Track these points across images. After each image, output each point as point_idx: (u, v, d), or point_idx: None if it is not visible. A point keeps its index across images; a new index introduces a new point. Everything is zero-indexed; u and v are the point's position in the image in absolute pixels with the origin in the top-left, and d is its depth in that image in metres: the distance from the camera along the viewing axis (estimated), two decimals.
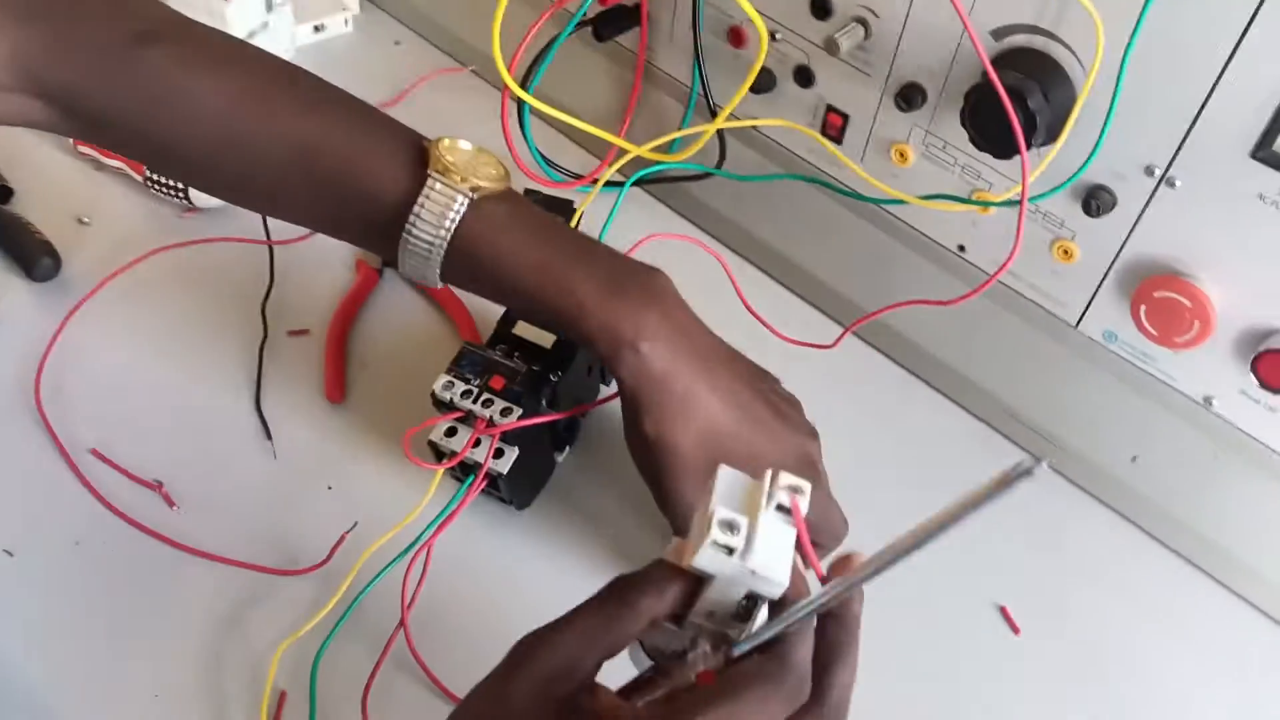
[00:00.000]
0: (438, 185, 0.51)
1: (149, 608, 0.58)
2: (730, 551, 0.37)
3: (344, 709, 0.54)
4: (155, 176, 0.74)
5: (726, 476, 0.39)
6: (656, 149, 0.71)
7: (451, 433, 0.59)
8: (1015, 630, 0.61)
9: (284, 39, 0.85)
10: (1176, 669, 0.60)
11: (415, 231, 0.52)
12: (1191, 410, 0.61)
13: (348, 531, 0.58)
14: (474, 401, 0.57)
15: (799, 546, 0.38)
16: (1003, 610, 0.62)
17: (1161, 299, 0.58)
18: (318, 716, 0.54)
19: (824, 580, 0.39)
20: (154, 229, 0.75)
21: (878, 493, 0.60)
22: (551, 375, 0.59)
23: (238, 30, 0.80)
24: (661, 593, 0.38)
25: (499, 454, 0.58)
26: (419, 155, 0.52)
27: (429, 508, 0.58)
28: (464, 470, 0.59)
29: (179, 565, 0.59)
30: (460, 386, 0.58)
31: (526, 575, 0.60)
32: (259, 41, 0.83)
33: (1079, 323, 0.64)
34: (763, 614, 0.39)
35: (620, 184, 0.77)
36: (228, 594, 0.58)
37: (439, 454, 0.60)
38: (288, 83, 0.54)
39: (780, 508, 0.38)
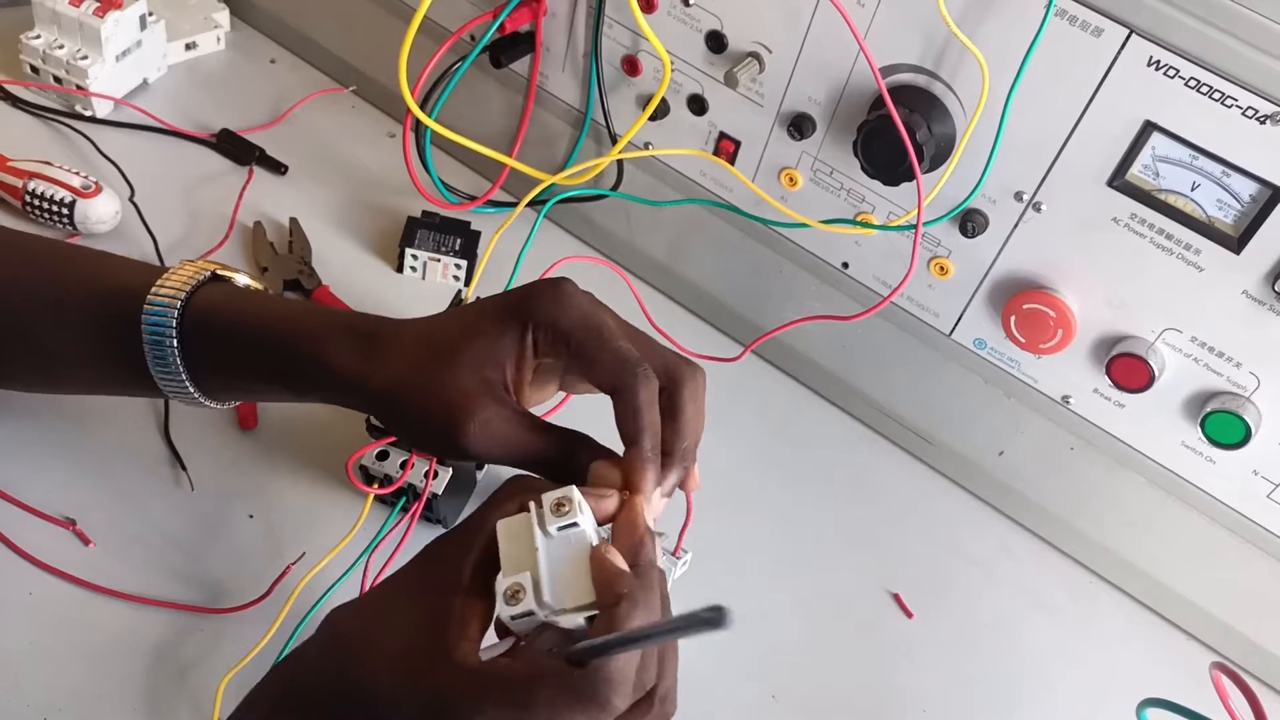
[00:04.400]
0: (184, 266, 0.53)
1: (70, 656, 0.56)
2: (529, 612, 0.38)
3: None
4: (36, 200, 0.71)
5: (505, 530, 0.39)
6: (557, 173, 0.73)
7: (382, 456, 0.60)
8: (909, 614, 0.67)
9: (156, 57, 0.83)
10: (1043, 639, 0.68)
11: (154, 300, 0.51)
12: (1051, 408, 0.69)
13: (292, 564, 0.58)
14: None
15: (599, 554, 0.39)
16: (896, 597, 0.68)
17: (1029, 310, 0.65)
18: None
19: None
20: None
21: (772, 492, 0.69)
22: None
23: (112, 48, 0.78)
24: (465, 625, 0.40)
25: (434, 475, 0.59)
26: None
27: (360, 531, 0.59)
28: (395, 493, 0.60)
29: (99, 608, 0.57)
30: None
31: None
32: (133, 60, 0.81)
33: (952, 331, 0.70)
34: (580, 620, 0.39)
35: (512, 204, 0.80)
36: (154, 635, 0.57)
37: (369, 478, 0.61)
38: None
39: (560, 528, 0.39)
